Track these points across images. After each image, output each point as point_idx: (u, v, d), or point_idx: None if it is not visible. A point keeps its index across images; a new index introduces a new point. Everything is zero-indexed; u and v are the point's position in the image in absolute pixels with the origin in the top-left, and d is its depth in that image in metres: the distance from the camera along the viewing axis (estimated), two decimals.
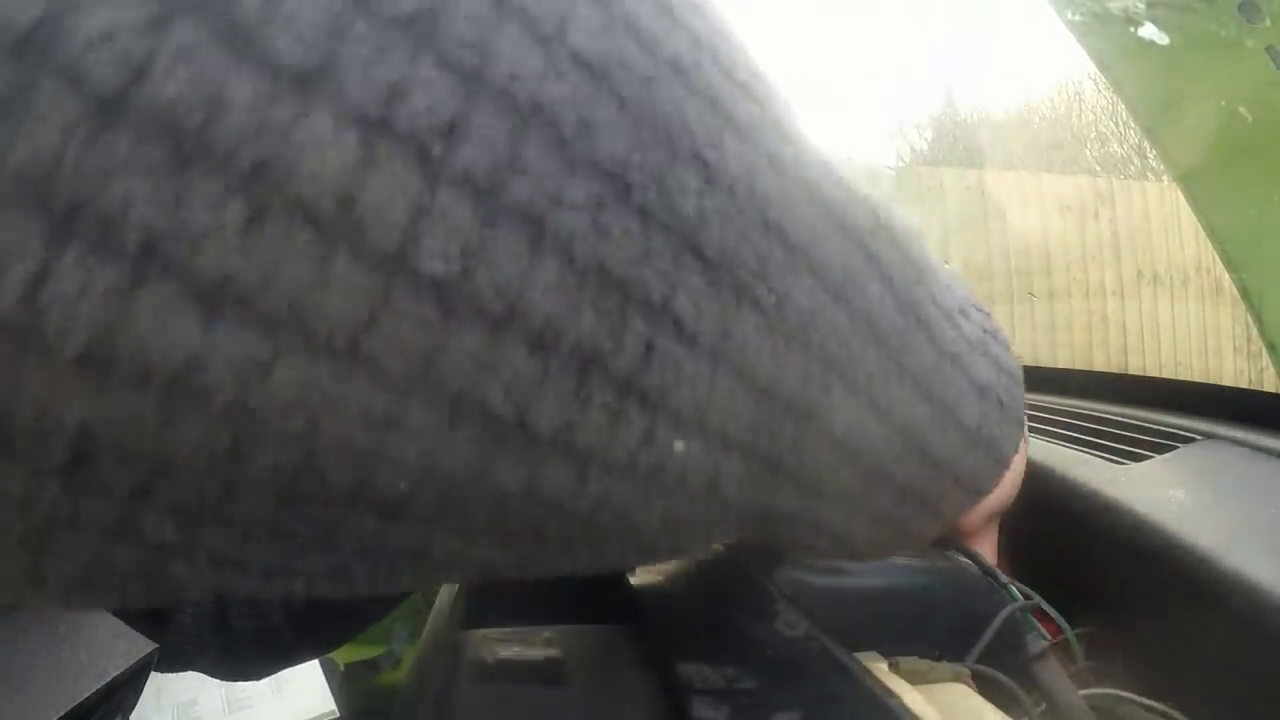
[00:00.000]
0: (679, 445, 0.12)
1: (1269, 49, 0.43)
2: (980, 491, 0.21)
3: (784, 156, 0.13)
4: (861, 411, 0.16)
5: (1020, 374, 0.22)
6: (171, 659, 0.40)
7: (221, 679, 0.47)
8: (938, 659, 0.23)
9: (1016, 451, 0.22)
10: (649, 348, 0.11)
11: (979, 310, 0.21)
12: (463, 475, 0.11)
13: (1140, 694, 0.27)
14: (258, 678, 0.48)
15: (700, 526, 0.14)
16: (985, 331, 0.20)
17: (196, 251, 0.08)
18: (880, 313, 0.16)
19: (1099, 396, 0.53)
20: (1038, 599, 0.27)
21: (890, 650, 0.22)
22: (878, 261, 0.16)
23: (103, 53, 0.08)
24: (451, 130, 0.09)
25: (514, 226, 0.10)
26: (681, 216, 0.11)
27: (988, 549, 0.30)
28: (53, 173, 0.08)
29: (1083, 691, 0.26)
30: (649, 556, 0.15)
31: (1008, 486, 0.29)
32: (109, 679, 0.24)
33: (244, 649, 0.41)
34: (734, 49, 0.13)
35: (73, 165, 0.08)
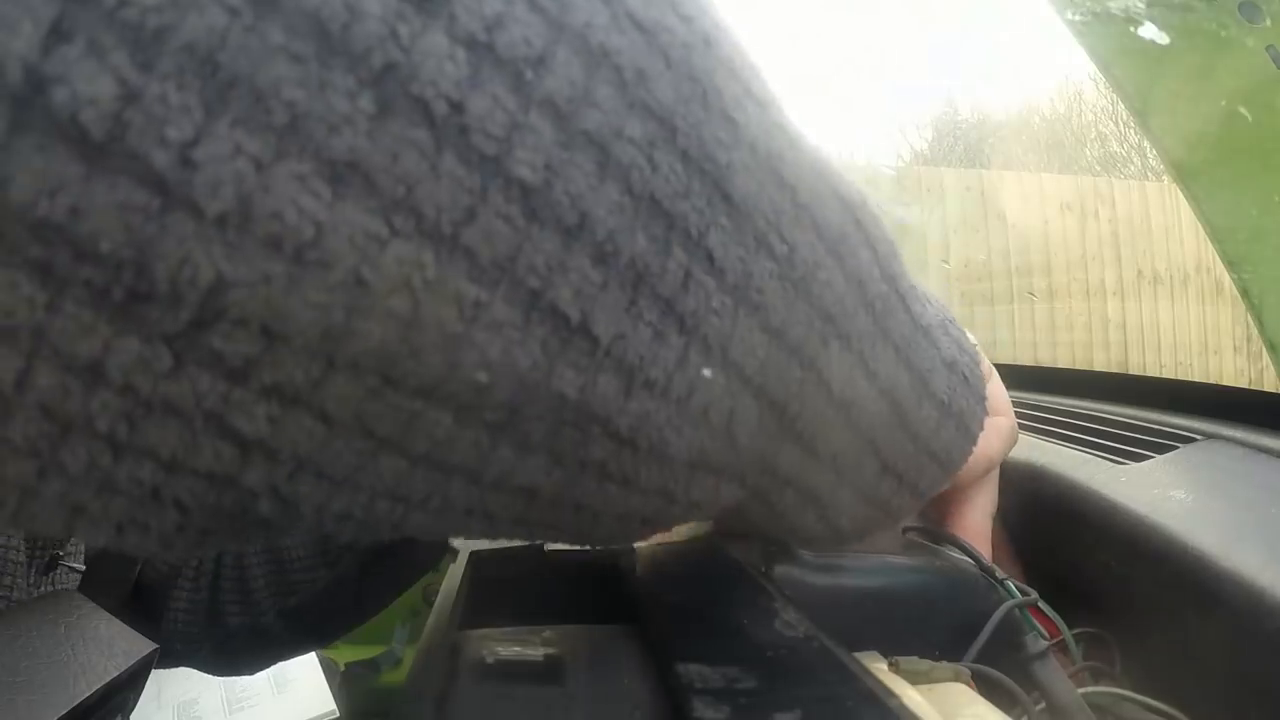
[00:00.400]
0: (707, 372, 0.14)
1: (1269, 49, 0.43)
2: (952, 467, 0.23)
3: (789, 126, 0.15)
4: (855, 369, 0.17)
5: (978, 356, 0.24)
6: (163, 655, 0.40)
7: (213, 674, 0.47)
8: (938, 659, 0.23)
9: (982, 429, 0.24)
10: (687, 275, 0.13)
11: (935, 300, 0.23)
12: (531, 376, 0.12)
13: (1140, 694, 0.27)
14: (250, 672, 0.48)
15: (714, 475, 0.16)
16: (943, 316, 0.22)
17: (333, 132, 0.09)
18: (869, 277, 0.17)
19: (1099, 396, 0.53)
20: (1034, 596, 0.27)
21: (890, 650, 0.22)
22: (865, 230, 0.17)
23: None
24: (540, 61, 0.11)
25: (585, 150, 0.11)
26: (716, 163, 0.13)
27: (983, 543, 0.30)
28: (217, 49, 0.09)
29: (1082, 690, 0.26)
30: (668, 505, 0.16)
31: (1003, 439, 0.30)
32: (109, 679, 0.24)
33: (236, 645, 0.42)
34: (741, 41, 0.15)
35: (235, 44, 0.09)
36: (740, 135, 0.13)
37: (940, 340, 0.21)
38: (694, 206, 0.12)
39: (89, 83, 0.08)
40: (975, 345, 0.25)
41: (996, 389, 0.30)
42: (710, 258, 0.13)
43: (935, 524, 0.31)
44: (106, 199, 0.09)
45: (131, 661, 0.25)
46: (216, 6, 0.09)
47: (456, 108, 0.10)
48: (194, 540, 0.12)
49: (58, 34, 0.08)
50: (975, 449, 0.24)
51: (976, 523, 0.31)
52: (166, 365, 0.10)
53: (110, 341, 0.10)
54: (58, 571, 0.30)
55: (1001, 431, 0.30)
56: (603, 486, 0.14)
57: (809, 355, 0.16)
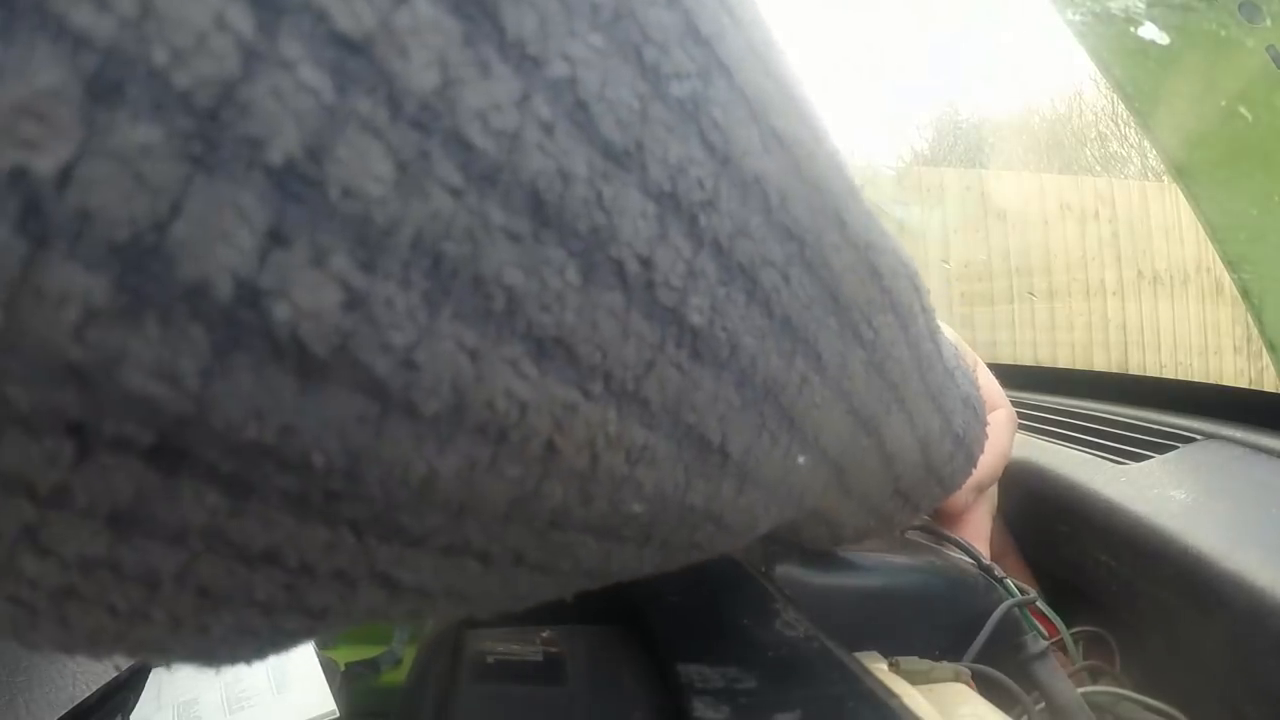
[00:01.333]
0: (802, 460, 0.14)
1: (1269, 49, 0.43)
2: (953, 488, 0.24)
3: (874, 211, 0.15)
4: (903, 426, 0.19)
5: (978, 383, 0.25)
6: None
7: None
8: (938, 659, 0.23)
9: (982, 452, 0.25)
10: (804, 380, 0.13)
11: (944, 331, 0.24)
12: (672, 495, 0.12)
13: (1140, 693, 0.27)
14: (248, 662, 0.48)
15: (772, 523, 0.16)
16: (954, 350, 0.23)
17: (544, 310, 0.09)
18: (921, 338, 0.18)
19: (1099, 396, 0.53)
20: (1034, 595, 0.27)
21: (890, 650, 0.22)
22: (919, 295, 0.18)
23: (487, 123, 0.08)
24: (711, 203, 0.10)
25: (739, 282, 0.11)
26: (831, 270, 0.13)
27: (982, 542, 0.30)
28: (441, 237, 0.08)
29: (1082, 690, 0.26)
30: (724, 550, 0.16)
31: (1010, 431, 0.32)
32: (109, 679, 0.24)
33: None
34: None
35: (460, 230, 0.08)
36: (847, 235, 0.13)
37: (959, 379, 0.22)
38: (813, 316, 0.13)
39: (312, 294, 0.07)
40: (972, 357, 0.27)
41: (987, 381, 0.31)
42: (819, 358, 0.13)
43: (935, 523, 0.31)
44: (322, 414, 0.08)
45: (131, 661, 0.25)
46: (440, 189, 0.08)
47: (645, 264, 0.10)
48: (337, 628, 0.12)
49: (275, 239, 0.07)
50: (985, 455, 0.26)
51: (976, 522, 0.31)
52: (349, 545, 0.09)
53: (294, 533, 0.09)
54: None
55: (1005, 424, 0.31)
56: (688, 554, 0.14)
57: (876, 425, 0.17)
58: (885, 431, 0.18)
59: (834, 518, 0.21)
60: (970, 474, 0.25)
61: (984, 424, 0.25)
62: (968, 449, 0.23)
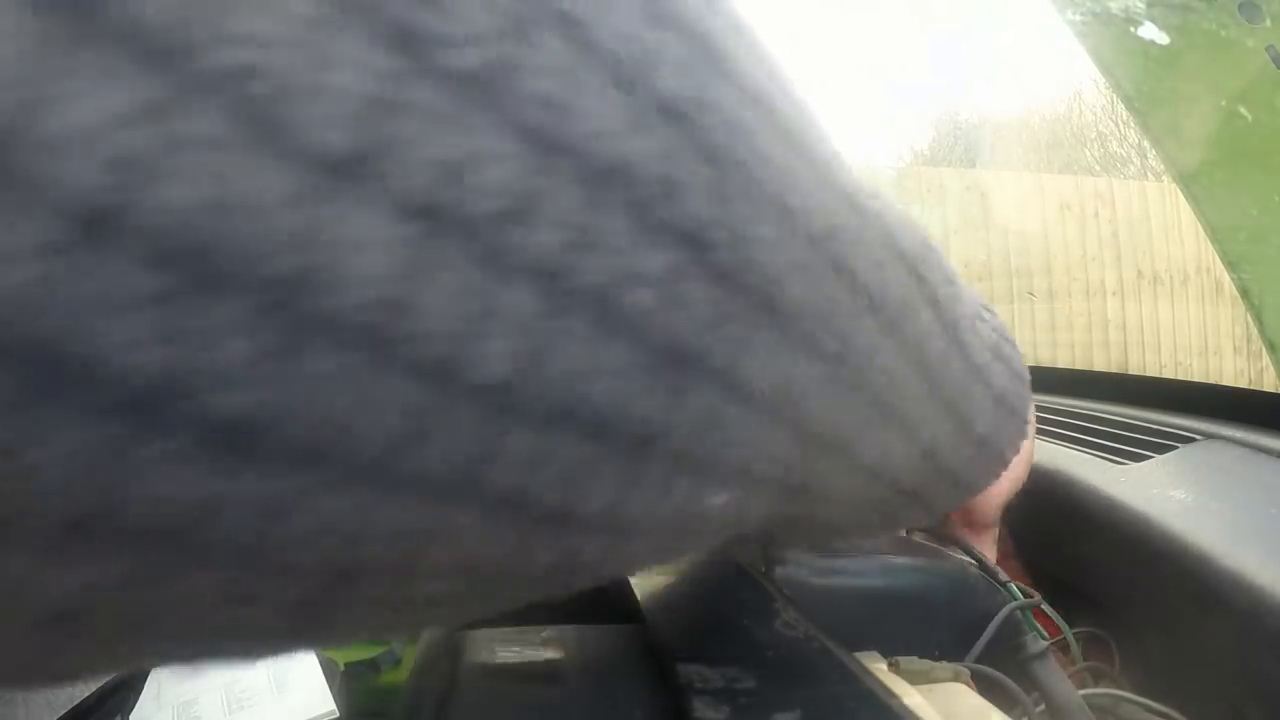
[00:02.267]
0: (719, 499, 0.12)
1: (1269, 49, 0.43)
2: (975, 490, 0.22)
3: (853, 189, 0.12)
4: (897, 440, 0.16)
5: (1027, 375, 0.22)
6: None
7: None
8: (938, 659, 0.23)
9: (1016, 453, 0.22)
10: (709, 413, 0.10)
11: (989, 310, 0.21)
12: (504, 563, 0.10)
13: (1140, 694, 0.27)
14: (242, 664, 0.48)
15: (712, 541, 0.14)
16: (997, 334, 0.20)
17: (215, 388, 0.07)
18: (928, 338, 0.15)
19: (1099, 396, 0.53)
20: (1037, 598, 0.27)
21: (890, 650, 0.22)
22: (927, 285, 0.15)
23: (87, 154, 0.06)
24: (523, 211, 0.08)
25: (581, 313, 0.09)
26: (761, 274, 0.10)
27: (988, 545, 0.30)
28: (25, 319, 0.06)
29: (1082, 691, 0.26)
30: (653, 567, 0.15)
31: (1017, 475, 0.30)
32: (109, 679, 0.24)
33: None
34: (790, 72, 0.12)
35: (48, 304, 0.06)
36: (795, 225, 0.11)
37: (993, 376, 0.19)
38: (727, 335, 0.10)
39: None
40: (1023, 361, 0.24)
41: None
42: (738, 387, 0.11)
43: (942, 523, 0.31)
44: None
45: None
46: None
47: (397, 312, 0.08)
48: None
49: None
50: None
51: (984, 522, 0.31)
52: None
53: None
54: None
55: (1026, 444, 0.31)
56: (584, 580, 0.13)
57: (846, 444, 0.14)
58: (860, 448, 0.15)
59: (827, 522, 0.19)
60: (999, 474, 0.22)
61: (1023, 424, 0.22)
62: (997, 449, 0.21)
